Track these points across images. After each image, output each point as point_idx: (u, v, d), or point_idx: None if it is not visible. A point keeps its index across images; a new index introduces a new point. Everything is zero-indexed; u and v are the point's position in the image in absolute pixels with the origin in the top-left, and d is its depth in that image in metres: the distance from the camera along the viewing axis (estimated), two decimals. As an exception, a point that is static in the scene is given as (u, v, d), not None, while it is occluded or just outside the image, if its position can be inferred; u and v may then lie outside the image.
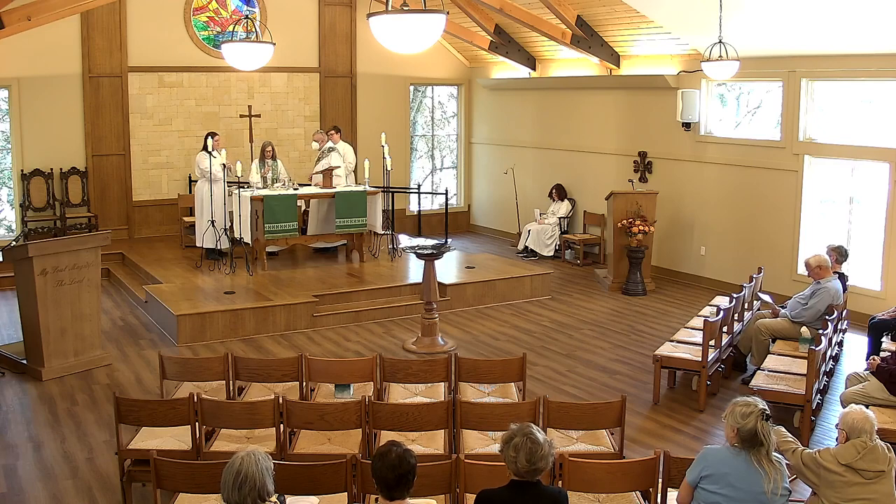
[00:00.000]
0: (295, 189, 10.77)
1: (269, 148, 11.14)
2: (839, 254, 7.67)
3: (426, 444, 5.10)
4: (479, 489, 3.71)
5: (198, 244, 11.01)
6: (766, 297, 7.92)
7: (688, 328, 7.69)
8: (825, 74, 9.61)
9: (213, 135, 10.80)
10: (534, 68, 13.62)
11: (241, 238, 10.56)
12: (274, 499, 3.36)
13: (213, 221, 10.70)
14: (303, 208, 11.15)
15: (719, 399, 6.96)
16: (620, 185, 11.50)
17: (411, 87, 15.02)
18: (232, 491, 3.25)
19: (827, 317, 6.98)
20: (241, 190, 10.51)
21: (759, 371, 6.63)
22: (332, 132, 11.81)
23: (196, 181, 11.28)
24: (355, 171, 11.75)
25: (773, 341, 7.31)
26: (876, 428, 4.12)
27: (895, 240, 8.92)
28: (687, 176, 11.29)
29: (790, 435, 4.34)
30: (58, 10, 9.97)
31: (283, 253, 11.45)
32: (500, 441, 3.62)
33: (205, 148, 10.81)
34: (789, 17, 8.82)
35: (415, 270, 10.49)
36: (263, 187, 10.65)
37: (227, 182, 10.66)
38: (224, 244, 10.74)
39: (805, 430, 6.01)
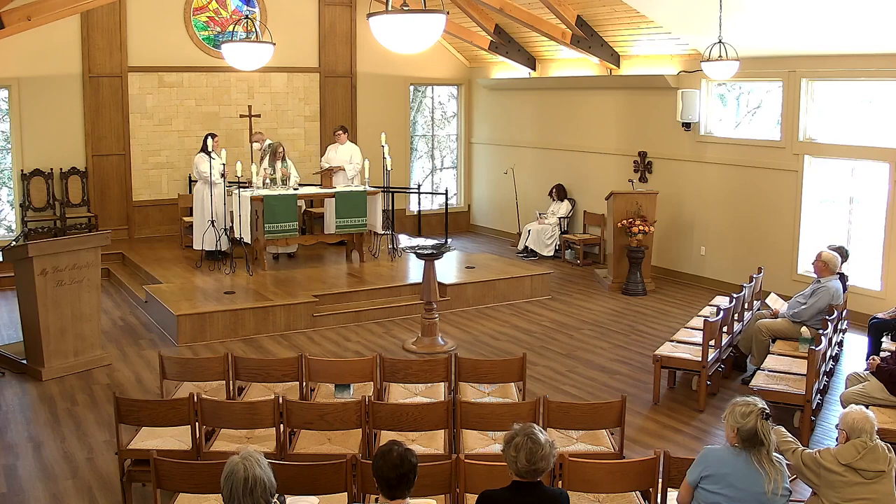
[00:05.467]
0: (295, 189, 10.77)
1: (280, 149, 11.00)
2: (840, 254, 7.66)
3: (426, 444, 5.10)
4: (479, 489, 3.71)
5: (196, 247, 10.96)
6: (774, 305, 7.82)
7: (688, 328, 7.69)
8: (825, 74, 9.61)
9: (212, 136, 10.79)
10: (534, 68, 13.62)
11: (240, 238, 10.55)
12: (274, 499, 3.36)
13: (213, 222, 10.70)
14: (303, 208, 11.13)
15: (719, 399, 6.96)
16: (620, 185, 11.50)
17: (411, 87, 15.02)
18: (244, 497, 3.19)
19: (827, 317, 6.99)
20: (241, 190, 10.50)
21: (759, 371, 6.63)
22: (340, 132, 11.81)
23: (195, 182, 11.27)
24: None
25: (773, 341, 7.31)
26: (876, 428, 4.12)
27: (895, 240, 8.92)
28: (687, 176, 11.29)
29: (790, 435, 4.35)
30: (58, 10, 9.96)
31: (281, 253, 11.42)
32: (500, 441, 3.62)
33: (204, 149, 10.80)
34: (789, 17, 8.82)
35: (415, 270, 10.49)
36: (273, 189, 10.62)
37: (228, 182, 10.64)
38: (224, 245, 10.74)
39: (805, 430, 6.01)
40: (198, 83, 12.88)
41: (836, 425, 4.31)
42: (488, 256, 12.08)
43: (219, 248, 10.77)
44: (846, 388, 6.17)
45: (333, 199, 10.79)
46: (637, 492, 4.41)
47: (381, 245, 11.66)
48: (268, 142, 11.48)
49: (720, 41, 8.99)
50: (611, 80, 12.23)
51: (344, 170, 11.57)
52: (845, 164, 9.61)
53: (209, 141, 10.68)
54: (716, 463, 3.85)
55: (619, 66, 12.03)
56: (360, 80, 14.19)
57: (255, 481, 3.18)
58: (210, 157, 10.62)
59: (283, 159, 10.98)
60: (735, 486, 3.76)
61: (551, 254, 13.01)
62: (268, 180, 10.67)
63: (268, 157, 10.88)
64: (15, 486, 5.42)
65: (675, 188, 11.38)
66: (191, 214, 11.94)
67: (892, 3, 7.83)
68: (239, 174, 10.47)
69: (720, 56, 8.99)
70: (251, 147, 11.66)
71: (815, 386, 6.12)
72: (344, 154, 11.69)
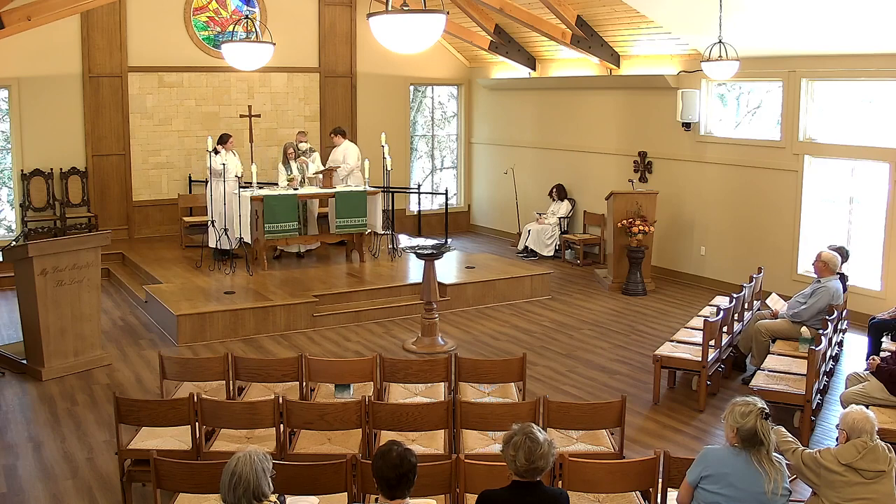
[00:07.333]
0: (295, 189, 10.77)
1: (290, 150, 11.05)
2: (840, 254, 7.66)
3: (426, 444, 5.10)
4: (479, 489, 3.71)
5: (211, 244, 10.91)
6: (774, 306, 7.84)
7: (688, 328, 7.69)
8: (825, 74, 9.61)
9: (224, 138, 10.83)
10: (534, 68, 13.62)
11: (240, 238, 10.55)
12: (273, 498, 3.37)
13: (213, 221, 10.70)
14: (315, 213, 11.18)
15: (719, 399, 6.96)
16: (620, 185, 11.50)
17: (411, 87, 15.02)
18: (228, 492, 3.29)
19: (827, 317, 6.99)
20: (242, 190, 10.50)
21: (759, 371, 6.63)
22: (331, 135, 11.84)
23: (206, 182, 11.21)
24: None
25: (773, 341, 7.31)
26: (876, 428, 4.12)
27: (895, 240, 8.92)
28: (687, 176, 11.29)
29: (790, 435, 4.35)
30: (58, 10, 9.96)
31: (283, 252, 11.41)
32: (500, 441, 3.63)
33: (215, 149, 10.77)
34: (789, 17, 8.82)
35: (415, 270, 10.49)
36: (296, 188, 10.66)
37: (247, 182, 10.65)
38: (225, 244, 10.73)
39: (805, 430, 6.01)
40: (198, 83, 12.88)
41: (837, 425, 4.31)
42: (488, 256, 12.08)
43: (218, 247, 10.76)
44: (846, 388, 6.17)
45: (333, 199, 10.79)
46: (637, 492, 4.41)
47: (381, 245, 11.67)
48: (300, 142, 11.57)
49: (720, 41, 8.98)
50: (611, 80, 12.23)
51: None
52: (845, 164, 9.61)
53: (209, 140, 10.67)
54: (716, 463, 3.85)
55: (619, 66, 12.03)
56: (360, 80, 14.19)
57: (238, 479, 3.29)
58: (214, 154, 10.63)
59: (296, 158, 11.00)
60: (735, 485, 3.76)
61: (551, 254, 13.01)
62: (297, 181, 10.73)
63: (282, 159, 10.99)
64: (15, 486, 5.42)
65: (675, 188, 11.38)
66: (191, 214, 11.94)
67: (892, 3, 7.83)
68: (239, 174, 10.46)
69: (720, 56, 8.99)
70: (251, 147, 11.66)
71: (815, 386, 6.12)
72: (338, 154, 11.72)
